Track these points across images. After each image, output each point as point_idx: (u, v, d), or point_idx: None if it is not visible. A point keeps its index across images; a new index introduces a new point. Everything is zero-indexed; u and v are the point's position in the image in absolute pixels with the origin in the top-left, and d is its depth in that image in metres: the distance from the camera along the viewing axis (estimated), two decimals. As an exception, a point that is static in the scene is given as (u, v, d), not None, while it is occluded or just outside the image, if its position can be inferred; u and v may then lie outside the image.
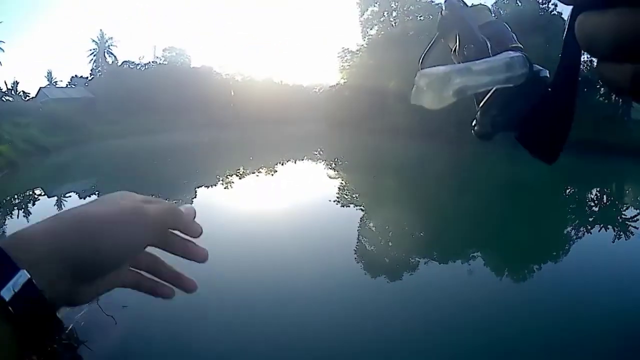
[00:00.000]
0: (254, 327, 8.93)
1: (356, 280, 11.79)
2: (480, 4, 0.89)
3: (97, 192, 23.30)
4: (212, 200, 22.36)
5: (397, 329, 8.96)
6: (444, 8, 0.85)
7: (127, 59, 72.59)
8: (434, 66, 0.70)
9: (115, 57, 74.58)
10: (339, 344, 8.33)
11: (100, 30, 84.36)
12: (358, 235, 15.99)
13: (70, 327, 7.92)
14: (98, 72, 71.69)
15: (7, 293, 0.58)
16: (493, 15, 0.87)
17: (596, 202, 22.94)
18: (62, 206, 20.55)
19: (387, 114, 45.63)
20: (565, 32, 0.60)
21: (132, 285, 0.91)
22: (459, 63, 0.78)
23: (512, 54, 0.77)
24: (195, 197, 22.42)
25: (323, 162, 36.14)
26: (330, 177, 29.45)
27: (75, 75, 70.93)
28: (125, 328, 8.68)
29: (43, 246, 0.64)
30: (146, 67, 71.22)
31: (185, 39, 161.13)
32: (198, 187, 24.70)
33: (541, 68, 0.79)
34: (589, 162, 30.00)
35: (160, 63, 73.50)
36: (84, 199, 21.84)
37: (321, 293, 10.48)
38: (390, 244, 15.88)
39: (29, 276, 0.60)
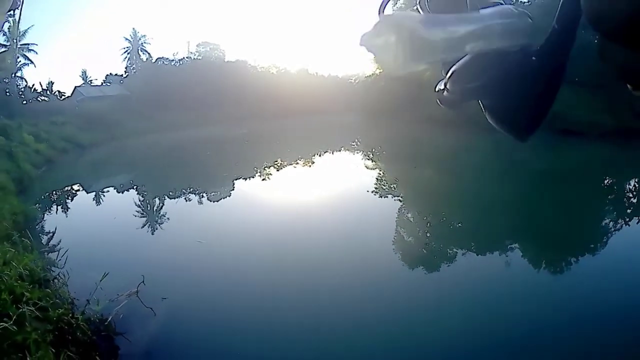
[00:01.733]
0: (292, 319, 8.85)
1: (394, 271, 11.54)
2: None
3: (134, 187, 23.29)
4: (251, 193, 22.15)
5: (442, 322, 8.65)
6: None
7: (161, 56, 73.11)
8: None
9: (149, 54, 74.96)
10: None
11: (133, 28, 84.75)
12: (397, 226, 15.69)
13: (110, 318, 7.96)
14: (132, 69, 72.15)
15: None
16: None
17: (635, 193, 21.87)
18: (100, 201, 20.48)
19: (423, 104, 45.07)
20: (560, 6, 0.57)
21: None
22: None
23: (511, 7, 0.63)
24: (233, 190, 22.28)
25: (361, 153, 35.72)
26: (367, 168, 29.11)
27: (110, 74, 71.61)
28: (164, 320, 8.63)
29: None
30: (180, 62, 71.40)
31: (219, 33, 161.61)
32: (236, 180, 24.53)
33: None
34: (629, 150, 29.01)
35: (194, 58, 73.73)
36: (122, 193, 21.85)
37: (360, 280, 10.36)
38: (429, 235, 15.46)
39: None
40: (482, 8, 0.66)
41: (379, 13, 0.74)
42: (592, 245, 13.64)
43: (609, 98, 35.80)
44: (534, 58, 0.64)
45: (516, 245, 13.53)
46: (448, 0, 0.63)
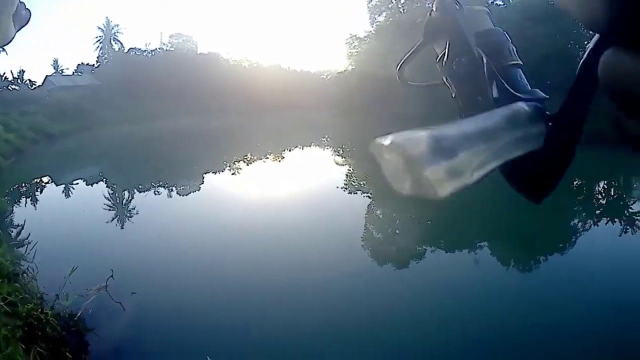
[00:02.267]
0: (263, 312, 8.93)
1: (364, 266, 11.81)
2: (479, 6, 0.77)
3: (104, 179, 23.24)
4: (220, 187, 22.43)
5: (409, 317, 8.92)
6: (434, 8, 0.72)
7: (133, 46, 72.54)
8: (407, 132, 0.53)
9: (121, 44, 74.23)
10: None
11: (107, 17, 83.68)
12: (365, 223, 15.95)
13: (79, 314, 7.94)
14: (104, 59, 71.38)
15: None
16: (491, 19, 0.76)
17: (604, 194, 22.67)
18: (70, 193, 20.45)
19: (395, 101, 45.32)
20: (581, 64, 0.54)
21: None
22: (445, 78, 0.63)
23: (521, 105, 0.59)
24: (202, 184, 22.44)
25: (331, 149, 36.03)
26: (337, 164, 29.46)
27: (82, 63, 70.84)
28: (134, 314, 8.65)
29: None
30: (152, 53, 71.07)
31: (192, 25, 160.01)
32: (206, 173, 24.71)
33: (541, 93, 0.68)
34: (602, 154, 29.63)
35: (167, 49, 73.33)
36: (91, 185, 21.81)
37: (327, 275, 10.49)
38: (398, 232, 15.85)
39: None
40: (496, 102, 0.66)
41: (397, 69, 0.86)
42: (561, 245, 14.07)
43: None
44: (550, 124, 0.63)
45: (486, 243, 13.93)
46: (469, 65, 0.68)
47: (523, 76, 0.70)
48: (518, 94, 0.65)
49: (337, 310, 8.98)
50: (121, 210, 17.52)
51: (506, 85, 0.66)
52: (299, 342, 7.96)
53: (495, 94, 0.67)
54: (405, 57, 0.73)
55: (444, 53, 0.70)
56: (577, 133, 0.57)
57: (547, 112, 0.63)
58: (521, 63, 0.71)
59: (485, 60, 0.67)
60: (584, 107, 0.55)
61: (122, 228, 15.40)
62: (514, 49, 0.73)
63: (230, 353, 7.57)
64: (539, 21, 41.45)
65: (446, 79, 0.71)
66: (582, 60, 0.48)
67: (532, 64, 40.70)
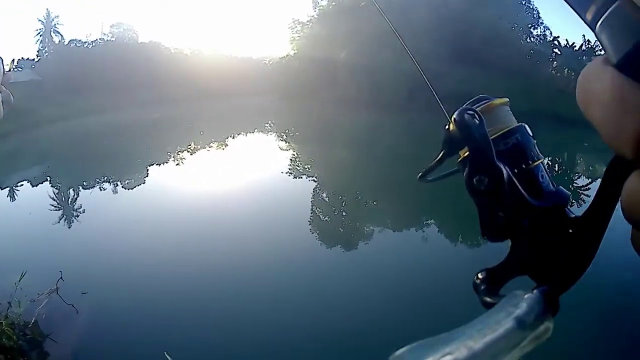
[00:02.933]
0: (218, 305, 9.12)
1: (313, 251, 12.26)
2: (501, 98, 0.75)
3: (48, 179, 22.77)
4: (164, 180, 22.87)
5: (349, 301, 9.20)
6: (452, 122, 0.68)
7: (73, 38, 70.69)
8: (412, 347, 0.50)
9: (62, 36, 71.97)
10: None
11: (47, 9, 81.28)
12: (312, 206, 16.46)
13: (33, 320, 7.92)
14: (45, 52, 69.41)
15: None
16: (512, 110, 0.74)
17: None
18: (14, 196, 19.94)
19: (337, 85, 45.74)
20: (605, 171, 0.53)
21: None
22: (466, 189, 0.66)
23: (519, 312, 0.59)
24: (147, 176, 22.52)
25: (274, 134, 36.41)
26: (281, 149, 29.96)
27: (22, 58, 68.75)
28: (87, 316, 8.65)
29: None
30: (93, 44, 69.45)
31: (132, 13, 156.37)
32: (150, 166, 24.94)
33: (564, 191, 0.69)
34: (542, 132, 30.54)
35: (107, 40, 71.75)
36: (36, 186, 21.34)
37: (274, 264, 10.66)
38: (345, 214, 16.12)
39: None
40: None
41: (419, 177, 0.84)
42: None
43: (523, 82, 37.35)
44: (570, 230, 0.62)
45: (432, 221, 14.28)
46: (490, 183, 0.63)
47: (545, 173, 0.71)
48: (534, 203, 0.66)
49: (283, 298, 9.22)
50: (67, 209, 17.42)
51: (526, 196, 0.65)
52: (253, 334, 8.03)
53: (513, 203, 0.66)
54: (430, 167, 0.75)
55: (466, 156, 0.68)
56: (599, 237, 0.59)
57: (569, 215, 0.65)
58: (543, 160, 0.72)
59: (506, 171, 0.65)
60: (606, 215, 0.55)
61: (69, 228, 15.29)
62: (537, 149, 0.73)
63: (187, 347, 7.63)
64: (481, 4, 42.09)
65: (467, 188, 0.67)
66: (606, 169, 0.53)
67: (474, 46, 41.49)
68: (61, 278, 9.14)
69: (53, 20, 71.91)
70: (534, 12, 49.00)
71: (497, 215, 0.66)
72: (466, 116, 0.65)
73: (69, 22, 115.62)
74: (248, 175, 21.68)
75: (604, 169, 0.50)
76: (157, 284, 10.02)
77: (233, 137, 34.74)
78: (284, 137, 34.92)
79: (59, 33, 71.91)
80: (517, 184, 0.65)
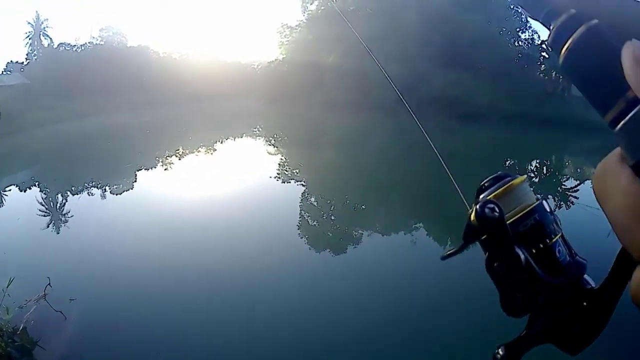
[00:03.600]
0: (201, 309, 9.10)
1: (303, 254, 12.38)
2: (520, 176, 0.75)
3: (37, 184, 22.65)
4: (152, 184, 22.84)
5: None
6: (474, 214, 0.69)
7: (63, 41, 70.48)
8: None
9: (51, 39, 71.82)
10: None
11: (36, 11, 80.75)
12: (300, 210, 16.53)
13: (21, 327, 7.84)
14: (34, 56, 69.13)
15: None
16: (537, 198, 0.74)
17: (537, 172, 23.59)
18: (2, 201, 19.82)
19: (326, 89, 45.81)
20: (615, 262, 0.57)
21: None
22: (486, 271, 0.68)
23: None
24: (135, 181, 22.60)
25: (262, 139, 36.44)
26: (269, 154, 29.94)
27: (11, 61, 68.49)
28: (76, 322, 8.57)
29: None
30: (82, 48, 69.30)
31: (123, 16, 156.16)
32: (139, 170, 24.86)
33: (581, 262, 0.71)
34: (530, 134, 30.81)
35: (96, 43, 71.59)
36: (24, 191, 21.21)
37: (264, 266, 10.79)
38: (333, 218, 16.20)
39: None
40: None
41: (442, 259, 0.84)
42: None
43: (511, 85, 37.55)
44: (585, 303, 0.65)
45: (421, 224, 14.32)
46: (508, 268, 0.67)
47: (563, 246, 0.71)
48: (551, 280, 0.68)
49: (273, 303, 9.20)
50: (55, 214, 17.33)
51: (542, 275, 0.67)
52: (242, 342, 8.03)
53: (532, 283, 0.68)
54: (453, 251, 0.76)
55: (486, 247, 0.69)
56: (612, 309, 0.61)
57: (585, 286, 0.67)
58: (561, 233, 0.72)
59: (523, 258, 0.67)
60: (618, 292, 0.57)
61: (57, 233, 15.25)
62: (554, 219, 0.73)
63: (175, 353, 7.69)
64: (469, 9, 42.26)
65: (486, 270, 0.69)
66: (618, 254, 0.55)
67: (462, 49, 41.70)
68: (49, 284, 9.09)
69: (42, 23, 71.68)
70: (522, 16, 49.35)
71: (515, 295, 0.68)
72: (486, 210, 0.66)
73: (58, 25, 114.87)
74: (236, 179, 21.69)
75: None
76: (146, 289, 10.00)
77: (221, 142, 34.75)
78: (273, 141, 34.98)
79: (48, 36, 71.72)
80: (534, 266, 0.67)
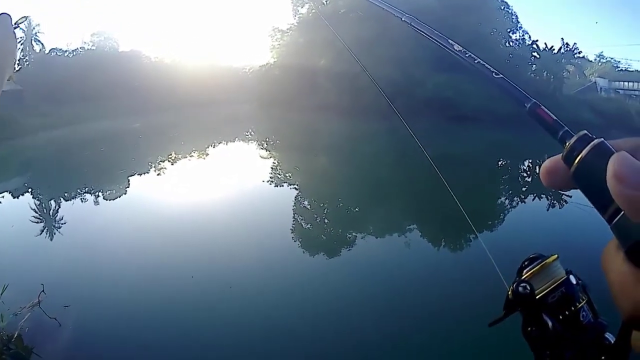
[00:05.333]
0: (196, 315, 9.13)
1: (297, 257, 12.54)
2: (552, 255, 0.88)
3: (30, 190, 22.57)
4: (146, 190, 22.90)
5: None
6: (511, 291, 0.85)
7: (54, 46, 70.29)
8: None
9: (42, 45, 71.64)
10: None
11: (28, 17, 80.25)
12: (293, 212, 16.68)
13: (16, 334, 7.81)
14: (26, 61, 68.90)
15: None
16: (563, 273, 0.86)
17: (529, 172, 23.72)
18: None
19: (317, 92, 45.97)
20: (620, 327, 0.67)
21: None
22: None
23: None
24: (129, 187, 22.65)
25: (255, 143, 36.58)
26: (262, 158, 30.03)
27: (2, 67, 67.86)
28: (70, 329, 8.61)
29: None
30: (74, 53, 69.17)
31: (114, 21, 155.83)
32: (132, 176, 24.84)
33: (602, 323, 0.82)
34: (522, 135, 30.88)
35: (88, 49, 71.40)
36: (17, 198, 21.15)
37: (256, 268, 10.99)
38: (327, 221, 16.22)
39: None
40: None
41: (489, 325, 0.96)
42: (490, 223, 14.64)
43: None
44: (603, 358, 0.78)
45: (414, 226, 14.36)
46: None
47: (587, 311, 0.83)
48: (576, 339, 0.80)
49: (266, 307, 9.32)
50: (49, 221, 17.26)
51: (568, 336, 0.79)
52: (235, 349, 8.09)
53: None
54: (498, 319, 0.89)
55: (522, 313, 0.84)
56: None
57: (604, 342, 0.78)
58: (587, 300, 0.84)
59: (551, 325, 0.80)
60: (628, 346, 0.66)
61: (50, 240, 15.16)
62: (580, 288, 0.85)
63: (170, 357, 7.80)
64: (462, 11, 42.52)
65: (522, 333, 0.84)
66: (620, 327, 0.67)
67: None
68: (43, 291, 9.07)
69: (34, 28, 71.36)
70: (513, 17, 49.81)
71: (545, 352, 0.80)
72: (520, 288, 0.82)
73: (49, 31, 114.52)
74: (229, 184, 21.70)
75: None
76: (140, 295, 10.02)
77: (214, 146, 34.80)
78: (265, 145, 35.04)
79: (39, 42, 71.45)
80: (560, 329, 0.80)
